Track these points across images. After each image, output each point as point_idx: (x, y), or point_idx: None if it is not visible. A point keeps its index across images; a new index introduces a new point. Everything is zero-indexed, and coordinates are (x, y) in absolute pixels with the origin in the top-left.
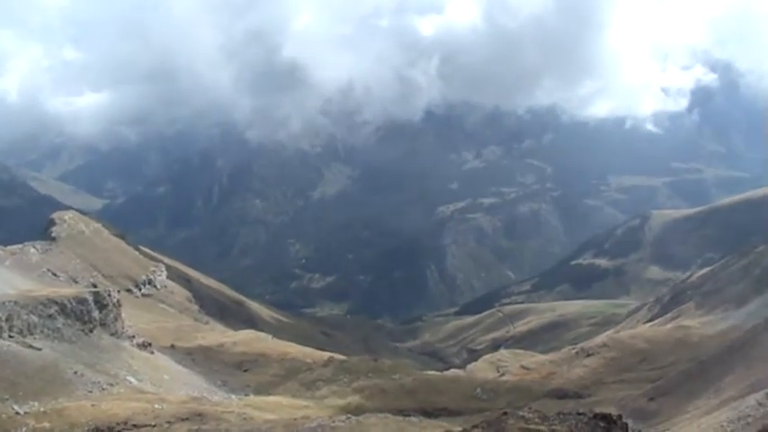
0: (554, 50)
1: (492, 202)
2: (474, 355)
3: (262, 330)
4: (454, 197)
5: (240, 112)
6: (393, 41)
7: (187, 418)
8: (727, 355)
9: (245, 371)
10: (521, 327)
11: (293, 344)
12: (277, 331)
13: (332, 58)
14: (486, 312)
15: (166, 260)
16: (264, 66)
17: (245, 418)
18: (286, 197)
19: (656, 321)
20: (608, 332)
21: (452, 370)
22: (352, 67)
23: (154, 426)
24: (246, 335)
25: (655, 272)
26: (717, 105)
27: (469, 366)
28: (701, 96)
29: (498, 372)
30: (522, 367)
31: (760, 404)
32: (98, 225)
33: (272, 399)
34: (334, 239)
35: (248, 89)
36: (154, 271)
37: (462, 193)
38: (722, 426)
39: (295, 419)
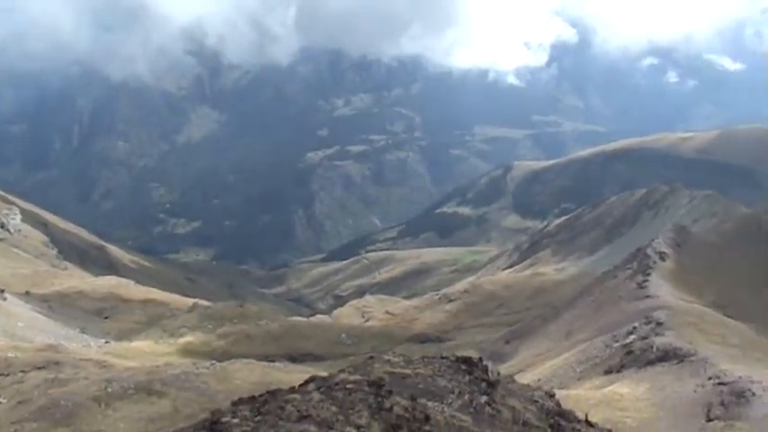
0: None
1: (360, 150)
2: (340, 301)
3: (123, 276)
4: (323, 144)
5: (88, 49)
6: None
7: (43, 367)
8: (578, 300)
9: (106, 317)
10: (385, 273)
11: (156, 290)
12: (139, 277)
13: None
14: (353, 259)
15: (21, 203)
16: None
17: (104, 366)
18: (150, 139)
19: (515, 268)
20: (469, 278)
21: (318, 316)
22: (204, 8)
23: (7, 375)
24: (107, 281)
25: (515, 221)
26: (574, 61)
27: (335, 312)
28: (560, 51)
29: (363, 317)
30: (387, 313)
31: (606, 346)
32: None
33: (133, 345)
34: (200, 184)
35: (91, 24)
36: (7, 214)
37: (331, 139)
38: (572, 366)
39: (158, 366)
